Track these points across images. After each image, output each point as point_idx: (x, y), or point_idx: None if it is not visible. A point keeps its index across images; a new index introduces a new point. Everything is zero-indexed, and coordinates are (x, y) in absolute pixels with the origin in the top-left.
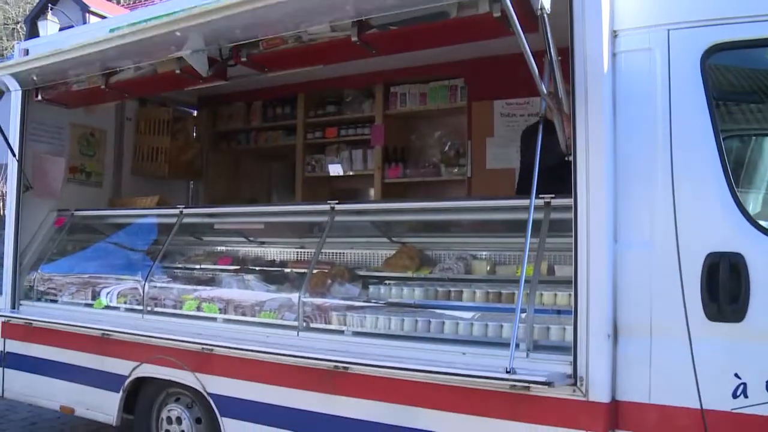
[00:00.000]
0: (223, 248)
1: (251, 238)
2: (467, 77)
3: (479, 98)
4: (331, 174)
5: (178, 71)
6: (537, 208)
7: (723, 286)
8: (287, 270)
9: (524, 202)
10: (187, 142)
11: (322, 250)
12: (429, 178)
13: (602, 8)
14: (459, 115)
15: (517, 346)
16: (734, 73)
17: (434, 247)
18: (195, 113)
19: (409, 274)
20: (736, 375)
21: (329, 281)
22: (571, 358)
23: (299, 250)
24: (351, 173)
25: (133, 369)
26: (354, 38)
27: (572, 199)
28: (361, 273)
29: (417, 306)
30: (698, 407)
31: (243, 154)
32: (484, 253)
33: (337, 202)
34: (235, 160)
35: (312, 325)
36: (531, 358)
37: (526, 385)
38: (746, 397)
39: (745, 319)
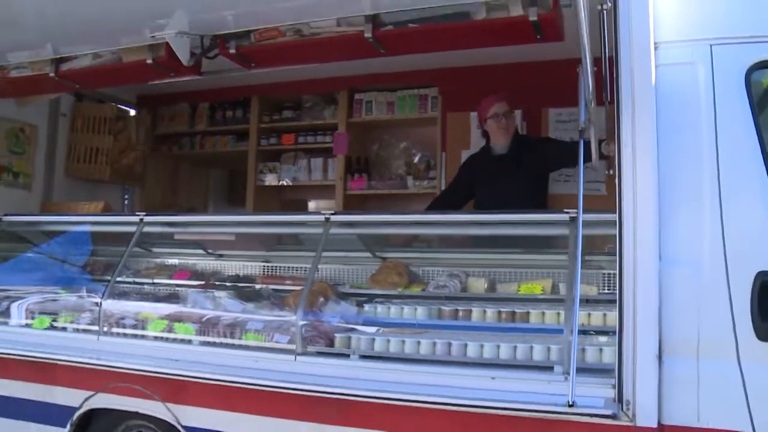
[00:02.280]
0: (188, 261)
1: (218, 251)
2: (441, 87)
3: (455, 109)
4: (287, 184)
5: (149, 61)
6: (560, 224)
7: None
8: (260, 286)
9: (526, 217)
10: (129, 143)
11: (299, 265)
12: (395, 191)
13: (649, 18)
14: (429, 125)
15: (552, 369)
16: None
17: (416, 262)
18: (133, 113)
19: (398, 291)
20: None
21: (321, 299)
22: (612, 380)
23: (266, 264)
24: (309, 183)
25: (86, 399)
26: (368, 34)
27: (616, 215)
28: (346, 290)
29: (425, 327)
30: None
31: (184, 159)
32: (477, 269)
33: (332, 212)
34: (173, 166)
35: (310, 349)
36: (569, 381)
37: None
38: None
39: None
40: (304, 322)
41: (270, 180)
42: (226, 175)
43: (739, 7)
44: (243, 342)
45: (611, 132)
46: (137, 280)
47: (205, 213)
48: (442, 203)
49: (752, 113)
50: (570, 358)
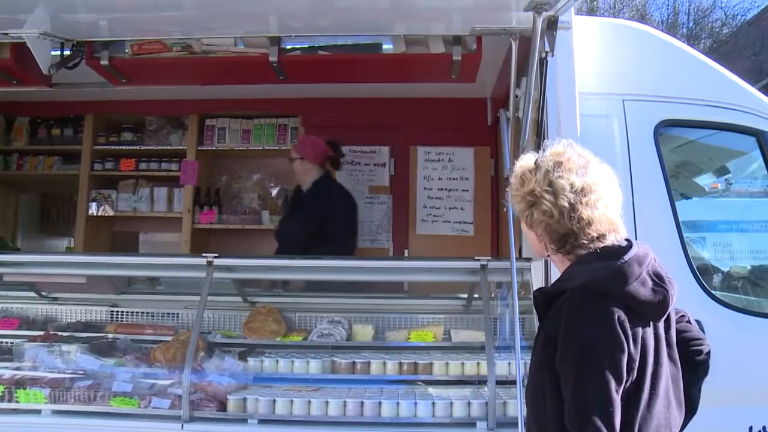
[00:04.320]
0: (11, 306)
1: (51, 294)
2: (304, 118)
3: None
4: (124, 213)
5: None
6: (472, 271)
7: None
8: (113, 336)
9: (435, 264)
10: None
11: (156, 309)
12: (249, 226)
13: (574, 69)
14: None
15: (474, 425)
16: (684, 146)
17: (289, 307)
18: None
19: (278, 340)
20: None
21: (202, 353)
22: None
23: (114, 309)
24: (152, 215)
25: None
26: (273, 58)
27: (542, 264)
28: (217, 340)
29: (323, 383)
30: None
31: None
32: (357, 315)
33: (215, 255)
34: None
35: (199, 414)
36: None
37: None
38: None
39: None
40: (190, 382)
41: (105, 209)
42: (37, 200)
43: (648, 68)
44: (111, 409)
45: None
46: None
47: (64, 253)
48: None
49: (661, 166)
50: (493, 412)
